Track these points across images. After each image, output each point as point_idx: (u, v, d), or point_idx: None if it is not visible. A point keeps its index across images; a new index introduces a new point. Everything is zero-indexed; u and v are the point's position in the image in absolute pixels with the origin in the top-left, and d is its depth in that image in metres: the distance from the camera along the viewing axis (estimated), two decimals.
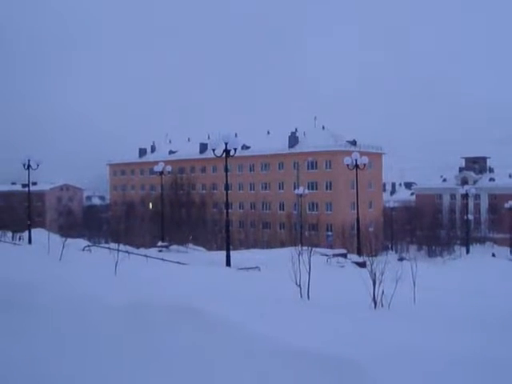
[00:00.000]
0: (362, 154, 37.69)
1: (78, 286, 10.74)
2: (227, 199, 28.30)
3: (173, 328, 7.86)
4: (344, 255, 31.69)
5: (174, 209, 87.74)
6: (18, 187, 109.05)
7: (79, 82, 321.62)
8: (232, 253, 26.54)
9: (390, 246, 70.48)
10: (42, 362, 7.33)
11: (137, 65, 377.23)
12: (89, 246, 29.34)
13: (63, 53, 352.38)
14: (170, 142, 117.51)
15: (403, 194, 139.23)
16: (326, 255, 29.86)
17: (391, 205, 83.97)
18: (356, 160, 34.81)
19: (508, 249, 64.29)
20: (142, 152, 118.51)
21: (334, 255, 30.61)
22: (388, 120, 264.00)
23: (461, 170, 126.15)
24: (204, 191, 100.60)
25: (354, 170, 34.86)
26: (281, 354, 6.74)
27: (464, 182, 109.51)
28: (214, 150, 26.74)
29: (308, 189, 72.56)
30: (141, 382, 6.62)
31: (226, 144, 25.73)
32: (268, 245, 69.26)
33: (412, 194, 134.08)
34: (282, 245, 56.71)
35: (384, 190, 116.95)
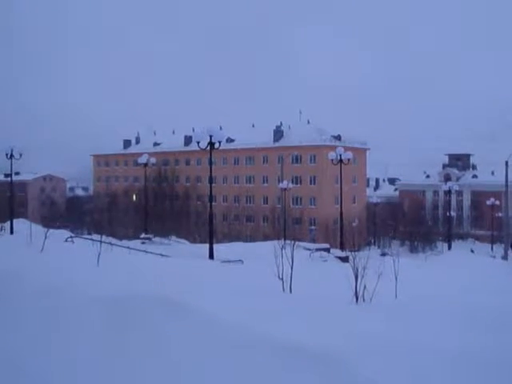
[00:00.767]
0: (346, 149, 37.77)
1: (60, 277, 10.68)
2: (211, 192, 28.25)
3: (155, 320, 7.86)
4: (327, 250, 31.75)
5: (158, 201, 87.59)
6: (0, 177, 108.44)
7: (64, 72, 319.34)
8: (215, 246, 26.53)
9: (372, 241, 70.98)
10: (22, 353, 7.30)
11: (123, 56, 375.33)
12: (71, 237, 29.16)
13: (48, 42, 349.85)
14: (154, 133, 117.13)
15: (387, 190, 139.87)
16: (309, 249, 29.91)
17: (375, 200, 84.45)
18: (340, 155, 34.90)
19: (489, 245, 64.89)
20: (127, 143, 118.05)
21: (317, 249, 30.66)
22: (373, 116, 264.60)
23: (444, 166, 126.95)
24: (188, 184, 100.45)
25: (339, 164, 34.95)
26: (262, 347, 6.76)
27: (447, 178, 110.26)
28: (198, 143, 26.66)
29: (292, 183, 72.69)
30: (124, 375, 6.61)
31: (211, 137, 25.67)
32: (251, 238, 69.29)
33: (395, 189, 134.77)
34: (266, 238, 56.72)
35: (368, 185, 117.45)
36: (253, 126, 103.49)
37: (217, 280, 13.74)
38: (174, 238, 38.30)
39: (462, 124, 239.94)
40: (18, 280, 10.22)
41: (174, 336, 7.35)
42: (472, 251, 55.66)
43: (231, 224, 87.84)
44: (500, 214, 77.94)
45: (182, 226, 74.77)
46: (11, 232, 29.80)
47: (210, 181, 28.88)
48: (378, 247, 62.47)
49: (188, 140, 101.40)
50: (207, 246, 26.38)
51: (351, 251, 14.17)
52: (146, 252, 24.98)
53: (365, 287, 10.78)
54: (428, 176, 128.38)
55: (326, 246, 34.35)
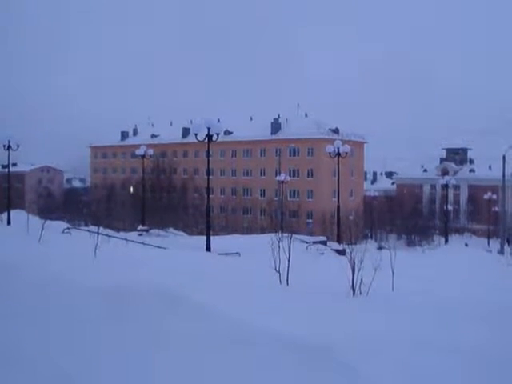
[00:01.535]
0: (344, 142, 37.79)
1: (57, 268, 10.68)
2: (208, 184, 28.27)
3: (152, 312, 7.87)
4: (324, 243, 31.81)
5: (155, 193, 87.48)
6: None
7: (62, 64, 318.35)
8: (212, 238, 26.54)
9: (369, 234, 70.92)
10: (19, 344, 7.31)
11: (121, 47, 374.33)
12: (68, 228, 29.18)
13: (45, 32, 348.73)
14: (152, 125, 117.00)
15: (384, 184, 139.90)
16: (306, 242, 29.95)
17: (372, 194, 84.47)
18: (338, 148, 34.90)
19: (486, 240, 64.97)
20: (124, 135, 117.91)
21: (314, 242, 30.72)
22: (371, 110, 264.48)
23: (441, 160, 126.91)
24: (185, 176, 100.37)
25: (336, 158, 34.96)
26: (259, 340, 6.78)
27: (444, 172, 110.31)
28: (196, 135, 26.63)
29: (289, 176, 72.64)
30: (121, 366, 6.63)
31: (209, 129, 25.65)
32: (248, 231, 69.32)
33: (393, 183, 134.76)
34: (263, 231, 56.76)
35: (365, 178, 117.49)
36: (251, 118, 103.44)
37: (214, 272, 13.75)
38: (171, 230, 38.33)
39: (460, 118, 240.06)
40: (16, 271, 10.22)
41: (171, 328, 7.36)
42: (466, 245, 55.74)
43: (228, 216, 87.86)
44: (497, 209, 78.05)
45: (180, 218, 74.74)
46: (8, 223, 29.78)
47: (208, 173, 28.93)
48: (375, 241, 62.41)
49: (186, 132, 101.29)
50: (204, 238, 26.40)
51: (348, 244, 14.19)
52: (144, 244, 24.98)
53: (361, 280, 10.81)
54: (425, 170, 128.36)
55: (323, 238, 34.41)
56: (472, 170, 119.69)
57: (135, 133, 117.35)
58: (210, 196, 29.10)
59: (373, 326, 7.62)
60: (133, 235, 30.80)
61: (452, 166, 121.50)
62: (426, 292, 12.56)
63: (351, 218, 66.02)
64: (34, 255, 13.00)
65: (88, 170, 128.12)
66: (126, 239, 25.43)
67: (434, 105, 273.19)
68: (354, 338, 6.91)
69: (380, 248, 29.37)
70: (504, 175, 49.41)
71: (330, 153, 35.87)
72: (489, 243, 60.33)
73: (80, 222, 66.87)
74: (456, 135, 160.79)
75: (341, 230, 34.17)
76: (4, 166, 35.10)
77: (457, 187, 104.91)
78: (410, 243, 66.48)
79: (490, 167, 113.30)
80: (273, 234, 18.37)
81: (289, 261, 11.76)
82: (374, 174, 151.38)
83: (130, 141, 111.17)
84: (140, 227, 35.19)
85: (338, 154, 34.89)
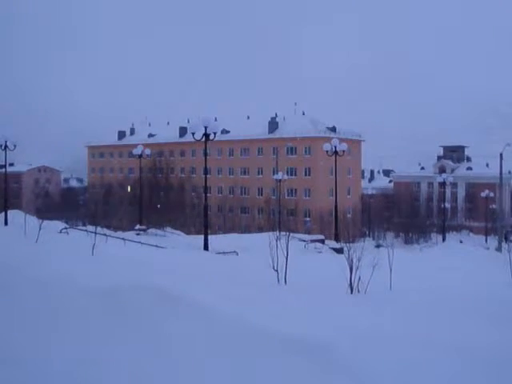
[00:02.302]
0: (341, 140, 37.75)
1: (55, 268, 10.67)
2: (206, 183, 28.23)
3: (150, 312, 7.87)
4: (322, 241, 31.78)
5: (153, 192, 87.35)
6: None
7: (59, 63, 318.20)
8: (210, 237, 26.51)
9: (367, 232, 71.01)
10: (16, 344, 7.30)
11: (119, 47, 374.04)
12: (66, 228, 29.10)
13: (43, 31, 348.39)
14: (149, 125, 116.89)
15: (381, 182, 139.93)
16: (304, 241, 29.91)
17: (369, 192, 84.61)
18: (335, 146, 34.86)
19: (483, 237, 65.06)
20: (121, 135, 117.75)
21: (312, 241, 30.67)
22: (368, 108, 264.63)
23: (439, 158, 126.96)
24: (183, 175, 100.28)
25: (333, 156, 34.93)
26: (258, 338, 6.77)
27: (442, 170, 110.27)
28: (193, 134, 26.60)
29: (287, 174, 72.67)
30: (120, 364, 6.62)
31: (206, 128, 25.62)
32: (246, 229, 69.37)
33: (390, 181, 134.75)
34: (260, 230, 56.77)
35: (362, 177, 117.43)
36: (248, 117, 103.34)
37: (212, 271, 13.75)
38: (168, 229, 38.23)
39: (458, 116, 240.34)
40: (13, 271, 10.21)
41: (170, 326, 7.36)
42: (461, 242, 55.93)
43: (226, 215, 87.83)
44: (494, 206, 78.16)
45: (177, 217, 74.61)
46: (6, 223, 29.72)
47: (205, 172, 28.86)
48: (373, 239, 62.52)
49: (183, 131, 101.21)
50: (202, 237, 26.36)
51: (346, 243, 14.18)
52: (141, 243, 24.94)
53: (359, 278, 10.81)
54: (423, 168, 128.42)
55: (321, 237, 34.38)
56: (469, 168, 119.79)
57: (132, 132, 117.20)
58: (208, 195, 29.08)
59: (371, 324, 7.62)
60: (130, 235, 30.74)
61: (449, 163, 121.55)
62: (424, 290, 12.57)
63: (349, 216, 66.12)
64: (31, 255, 12.99)
65: (85, 170, 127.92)
66: (123, 239, 25.38)
67: (432, 103, 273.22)
68: (353, 335, 6.91)
69: (378, 246, 29.37)
70: (501, 173, 49.47)
71: (327, 151, 35.83)
72: (486, 240, 60.42)
73: (77, 222, 66.75)
74: (453, 133, 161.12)
75: (338, 229, 34.13)
76: (1, 166, 35.02)
77: (454, 185, 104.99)
78: (408, 241, 66.59)
79: (487, 165, 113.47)
80: (270, 233, 18.36)
81: (287, 259, 11.75)
82: (372, 172, 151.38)
83: (128, 140, 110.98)
84: (138, 227, 35.09)
85: (336, 153, 34.86)
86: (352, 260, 11.04)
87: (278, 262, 11.61)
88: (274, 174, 68.45)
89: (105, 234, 22.39)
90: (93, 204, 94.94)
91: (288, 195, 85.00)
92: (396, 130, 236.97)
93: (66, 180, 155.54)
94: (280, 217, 57.15)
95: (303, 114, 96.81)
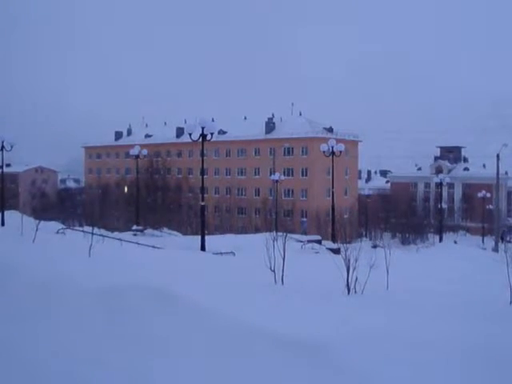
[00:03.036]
0: (338, 141, 37.84)
1: (52, 269, 10.66)
2: (203, 184, 28.22)
3: (147, 312, 7.87)
4: (319, 241, 31.79)
5: (150, 193, 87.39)
6: None
7: (56, 64, 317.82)
8: (207, 237, 26.50)
9: (364, 233, 70.92)
10: (14, 345, 7.29)
11: (116, 47, 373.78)
12: (63, 228, 29.08)
13: (41, 32, 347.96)
14: (146, 125, 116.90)
15: (378, 182, 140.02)
16: (301, 241, 29.94)
17: (366, 192, 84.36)
18: (332, 147, 34.90)
19: (480, 238, 65.13)
20: (118, 135, 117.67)
21: (309, 241, 30.68)
22: (365, 109, 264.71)
23: (436, 159, 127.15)
24: (180, 175, 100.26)
25: (330, 156, 34.97)
26: (255, 339, 6.78)
27: (438, 170, 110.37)
28: (190, 135, 26.59)
29: (284, 175, 72.63)
30: (115, 365, 6.62)
31: (203, 128, 25.61)
32: (243, 230, 69.32)
33: (387, 181, 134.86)
34: (257, 230, 56.78)
35: (359, 177, 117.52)
36: (245, 118, 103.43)
37: (208, 272, 13.75)
38: (165, 229, 38.30)
39: (455, 117, 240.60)
40: (10, 272, 10.19)
41: (166, 327, 7.36)
42: (455, 242, 56.04)
43: (223, 216, 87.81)
44: (491, 207, 78.24)
45: (174, 217, 74.69)
46: (2, 224, 29.69)
47: (202, 173, 28.86)
48: (370, 239, 62.45)
49: (180, 132, 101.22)
50: (199, 237, 26.36)
51: (343, 243, 14.20)
52: (138, 244, 24.93)
53: (356, 279, 10.81)
54: (420, 168, 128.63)
55: (318, 237, 34.39)
56: (466, 169, 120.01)
57: (129, 133, 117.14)
58: (205, 196, 29.06)
59: (368, 325, 7.62)
60: (127, 235, 30.74)
61: (446, 164, 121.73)
62: (421, 290, 12.58)
63: (346, 216, 66.04)
64: (28, 256, 12.97)
65: (82, 170, 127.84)
66: (120, 239, 25.37)
67: (429, 104, 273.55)
68: (349, 335, 6.91)
69: (374, 246, 29.31)
70: (498, 173, 49.58)
71: (324, 152, 35.89)
72: (483, 241, 60.48)
73: (74, 223, 66.64)
74: (450, 134, 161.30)
75: (335, 229, 34.19)
76: None
77: (451, 185, 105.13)
78: (405, 241, 66.49)
79: (484, 165, 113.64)
80: (267, 234, 18.37)
81: (283, 260, 11.76)
82: (369, 172, 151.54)
83: (124, 141, 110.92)
84: (134, 227, 35.15)
85: (333, 153, 34.90)
86: (349, 260, 11.04)
87: (275, 262, 11.62)
88: (270, 175, 68.39)
89: (102, 235, 22.36)
90: (90, 204, 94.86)
91: (285, 196, 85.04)
92: (393, 130, 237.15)
93: (63, 180, 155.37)
94: (277, 217, 57.15)
95: (300, 114, 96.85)
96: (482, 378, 6.12)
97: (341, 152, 35.96)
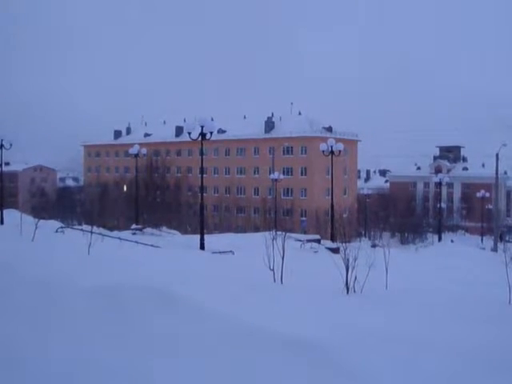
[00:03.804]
0: (337, 140, 37.81)
1: (51, 268, 10.66)
2: (202, 183, 28.22)
3: (146, 311, 7.87)
4: (318, 241, 31.76)
5: (149, 192, 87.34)
6: None
7: (55, 62, 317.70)
8: (206, 236, 26.50)
9: (363, 232, 70.91)
10: (14, 344, 7.29)
11: (115, 46, 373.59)
12: (62, 227, 29.09)
13: (40, 32, 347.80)
14: (145, 124, 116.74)
15: (378, 182, 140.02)
16: (300, 240, 29.91)
17: (365, 192, 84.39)
18: (332, 146, 34.89)
19: (479, 237, 65.16)
20: (118, 134, 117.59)
21: (308, 241, 30.64)
22: (364, 108, 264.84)
23: (435, 158, 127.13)
24: (179, 174, 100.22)
25: (330, 156, 34.95)
26: (253, 338, 6.78)
27: (438, 170, 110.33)
28: (189, 134, 26.59)
29: (283, 174, 72.58)
30: (114, 364, 6.62)
31: (202, 127, 25.61)
32: (242, 229, 69.25)
33: (386, 181, 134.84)
34: (256, 229, 56.80)
35: (359, 176, 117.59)
36: (244, 117, 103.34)
37: (207, 271, 13.75)
38: (164, 228, 38.25)
39: (454, 116, 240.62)
40: (9, 270, 10.19)
41: (165, 326, 7.36)
42: (452, 241, 56.17)
43: (222, 215, 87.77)
44: (490, 206, 78.25)
45: (173, 216, 74.60)
46: (1, 222, 29.73)
47: (201, 171, 28.87)
48: (369, 239, 62.43)
49: (179, 131, 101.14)
50: (198, 236, 26.35)
51: (342, 242, 14.18)
52: (137, 243, 24.92)
53: (355, 278, 10.82)
54: (419, 168, 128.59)
55: (317, 237, 34.35)
56: (465, 168, 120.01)
57: (128, 132, 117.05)
58: (204, 195, 29.06)
59: (367, 324, 7.63)
60: (126, 234, 30.75)
61: (445, 163, 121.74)
62: (419, 290, 12.59)
63: (345, 216, 66.03)
64: (27, 255, 12.97)
65: (81, 169, 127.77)
66: (119, 238, 25.37)
67: (428, 103, 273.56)
68: (348, 335, 6.91)
69: (374, 246, 29.32)
70: (497, 173, 49.55)
71: (323, 151, 35.86)
72: (482, 241, 60.50)
73: (73, 221, 66.63)
74: (450, 133, 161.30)
75: (334, 228, 34.15)
76: None
77: (450, 185, 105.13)
78: (404, 241, 66.57)
79: (483, 165, 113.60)
80: (266, 233, 18.37)
81: (283, 259, 11.76)
82: (368, 172, 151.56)
83: (124, 140, 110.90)
84: (134, 226, 35.12)
85: (332, 153, 34.89)
86: (348, 260, 11.05)
87: (274, 261, 11.62)
88: (270, 174, 68.35)
89: (101, 234, 22.39)
90: (89, 203, 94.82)
91: (284, 195, 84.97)
92: (392, 129, 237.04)
93: (62, 179, 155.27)
94: (276, 216, 57.13)
95: (299, 113, 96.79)
96: (482, 377, 6.12)
97: (340, 151, 35.96)
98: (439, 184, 57.06)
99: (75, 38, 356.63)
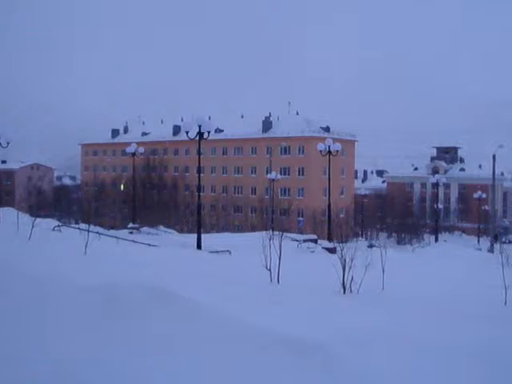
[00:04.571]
0: (335, 140, 37.82)
1: (48, 266, 10.65)
2: (199, 182, 28.21)
3: (143, 310, 7.86)
4: (315, 241, 31.77)
5: (146, 191, 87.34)
6: None
7: (53, 61, 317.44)
8: (203, 236, 26.50)
9: (360, 232, 71.00)
10: (9, 342, 7.28)
11: (113, 46, 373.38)
12: (59, 226, 29.02)
13: (39, 31, 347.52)
14: (143, 123, 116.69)
15: (375, 182, 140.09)
16: (297, 240, 29.91)
17: (362, 192, 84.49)
18: (329, 146, 34.90)
19: (476, 238, 65.25)
20: (115, 133, 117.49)
21: (305, 240, 30.67)
22: (362, 109, 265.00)
23: (432, 159, 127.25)
24: (176, 173, 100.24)
25: (327, 156, 34.97)
26: (250, 337, 6.78)
27: (435, 171, 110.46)
28: (187, 133, 26.58)
29: (280, 174, 72.61)
30: (112, 365, 6.62)
31: (200, 126, 25.61)
32: (239, 229, 69.34)
33: (383, 181, 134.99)
34: (253, 229, 56.77)
35: (356, 177, 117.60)
36: (242, 116, 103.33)
37: (204, 270, 13.75)
38: (162, 227, 38.20)
39: (451, 117, 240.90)
40: (5, 268, 10.18)
41: (162, 325, 7.36)
42: (444, 241, 56.42)
43: (219, 214, 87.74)
44: (487, 207, 78.36)
45: (170, 215, 74.60)
46: None
47: (199, 171, 28.85)
48: (366, 239, 62.52)
49: (177, 130, 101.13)
50: (195, 236, 26.34)
51: (339, 242, 14.20)
52: (134, 242, 24.91)
53: (352, 278, 10.83)
54: (416, 168, 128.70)
55: (314, 237, 34.37)
56: (462, 169, 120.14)
57: (126, 130, 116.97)
58: (201, 194, 29.05)
59: (363, 324, 7.64)
60: (123, 233, 30.70)
61: (442, 164, 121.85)
62: (416, 290, 12.61)
63: (342, 216, 66.04)
64: (24, 253, 12.96)
65: (79, 168, 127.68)
66: (116, 237, 25.35)
67: (425, 104, 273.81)
68: (345, 335, 6.92)
69: (370, 246, 29.35)
70: (494, 174, 49.62)
71: (320, 151, 35.87)
72: (479, 241, 60.61)
73: (70, 220, 66.57)
74: (447, 134, 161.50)
75: (331, 228, 34.18)
76: None
77: (447, 186, 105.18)
78: (401, 241, 66.70)
79: (480, 166, 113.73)
80: (264, 232, 18.38)
81: (279, 259, 11.77)
82: (365, 172, 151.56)
83: (121, 138, 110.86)
84: (130, 225, 35.05)
85: (329, 153, 34.90)
86: (345, 260, 11.06)
87: (271, 261, 11.63)
88: (267, 174, 68.36)
89: (98, 232, 22.37)
90: (86, 202, 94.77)
91: (281, 195, 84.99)
92: (390, 130, 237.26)
93: (59, 178, 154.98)
94: (273, 216, 57.15)
95: (297, 113, 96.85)
96: (481, 378, 6.14)
97: (337, 151, 35.97)
98: (436, 185, 57.28)
99: (74, 38, 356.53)
